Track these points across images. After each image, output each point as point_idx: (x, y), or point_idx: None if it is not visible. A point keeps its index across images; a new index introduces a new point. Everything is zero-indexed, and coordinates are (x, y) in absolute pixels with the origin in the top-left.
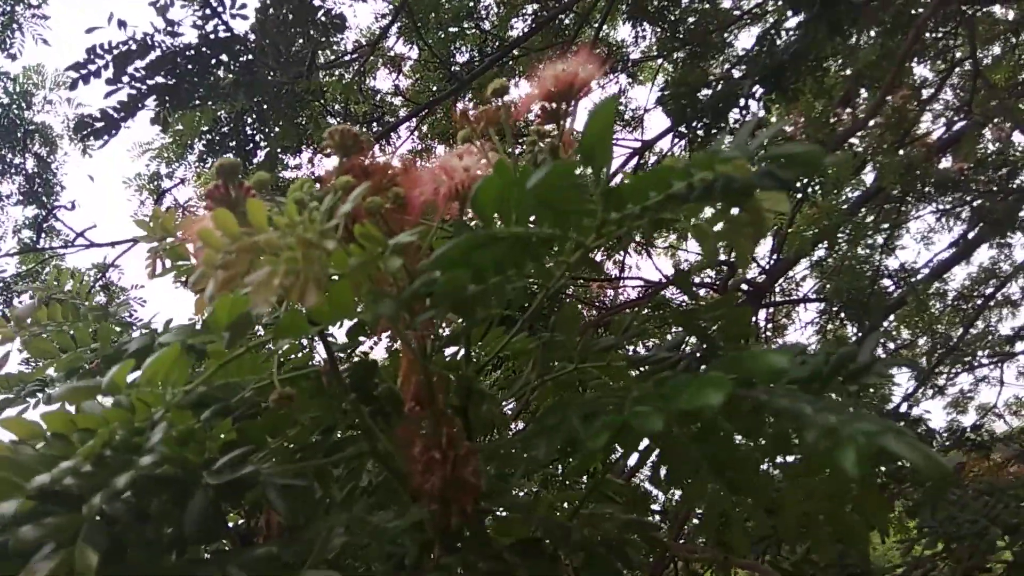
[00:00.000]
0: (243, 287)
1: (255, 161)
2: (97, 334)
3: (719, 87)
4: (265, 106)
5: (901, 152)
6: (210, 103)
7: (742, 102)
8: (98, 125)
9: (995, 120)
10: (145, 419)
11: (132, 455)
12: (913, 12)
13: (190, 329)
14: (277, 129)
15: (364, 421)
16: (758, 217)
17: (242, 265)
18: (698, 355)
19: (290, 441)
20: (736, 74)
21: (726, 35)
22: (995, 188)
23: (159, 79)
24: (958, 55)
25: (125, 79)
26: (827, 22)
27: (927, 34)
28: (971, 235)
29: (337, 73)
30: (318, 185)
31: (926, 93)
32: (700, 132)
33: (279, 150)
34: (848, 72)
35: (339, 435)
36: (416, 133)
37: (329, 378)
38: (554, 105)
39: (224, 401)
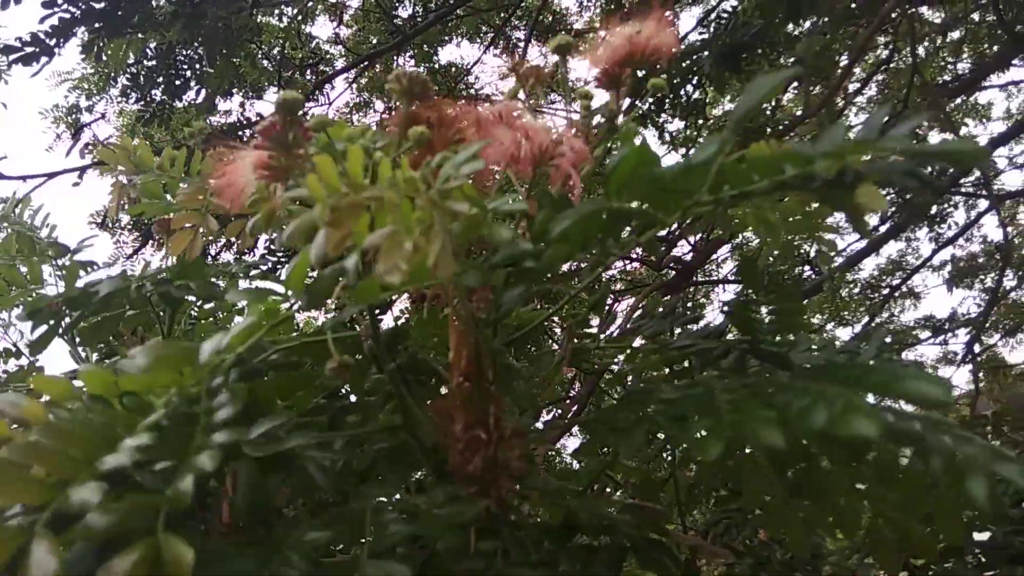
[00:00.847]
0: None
1: (185, 99)
2: (52, 272)
3: (675, 61)
4: (200, 40)
5: None
6: (142, 33)
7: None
8: (28, 50)
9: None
10: (196, 384)
11: (191, 426)
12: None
13: (255, 292)
14: (210, 69)
15: (399, 391)
16: (858, 214)
17: (353, 222)
18: (746, 348)
19: (293, 404)
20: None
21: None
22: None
23: (93, 3)
24: (883, 53)
25: (61, 1)
26: (787, 5)
27: (857, 29)
28: (882, 228)
29: (276, 14)
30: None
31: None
32: (653, 107)
33: (212, 90)
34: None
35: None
36: (354, 85)
37: (371, 344)
38: (619, 70)
39: (249, 363)
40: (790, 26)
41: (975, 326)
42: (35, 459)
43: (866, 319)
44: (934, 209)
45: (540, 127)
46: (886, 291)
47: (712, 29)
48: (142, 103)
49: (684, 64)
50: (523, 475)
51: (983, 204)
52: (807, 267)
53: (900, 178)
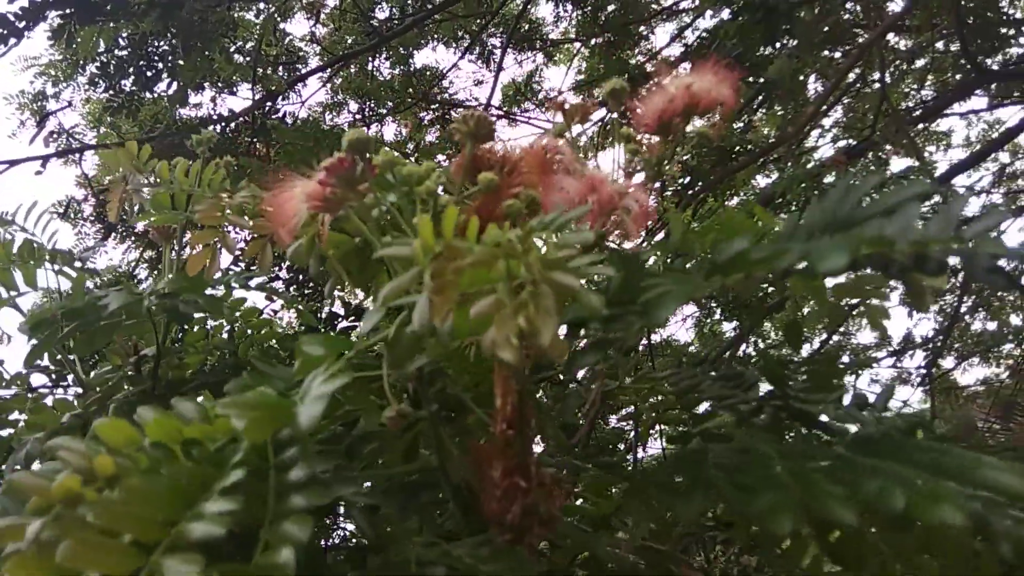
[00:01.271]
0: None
1: (156, 91)
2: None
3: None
4: (174, 32)
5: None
6: (115, 22)
7: None
8: None
9: (896, 145)
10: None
11: (262, 483)
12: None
13: (332, 342)
14: (183, 61)
15: (438, 433)
16: (919, 292)
17: (454, 290)
18: (780, 407)
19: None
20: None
21: (643, 29)
22: None
23: None
24: (850, 77)
25: None
26: (764, 28)
27: (831, 57)
28: None
29: (253, 10)
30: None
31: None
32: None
33: (185, 83)
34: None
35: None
36: (328, 85)
37: (416, 385)
38: (673, 120)
39: None
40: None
41: (933, 350)
42: (119, 523)
43: (824, 336)
44: None
45: (604, 177)
46: (846, 308)
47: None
48: (111, 92)
49: None
50: (558, 524)
51: None
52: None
53: (983, 274)
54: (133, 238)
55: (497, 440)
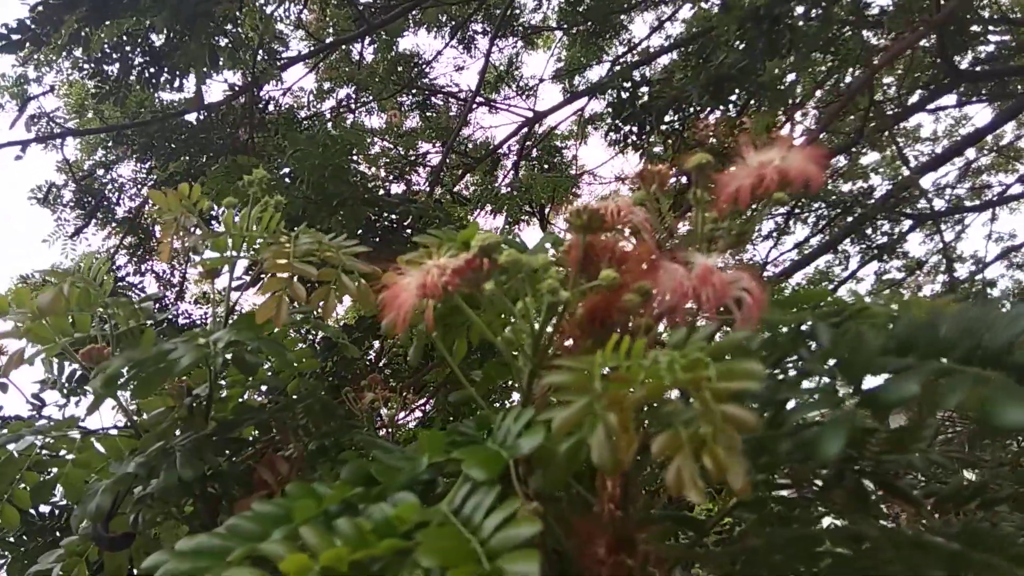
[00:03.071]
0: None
1: (154, 81)
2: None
3: (659, 89)
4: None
5: None
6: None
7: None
8: (15, 38)
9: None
10: None
11: None
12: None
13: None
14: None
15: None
16: None
17: (625, 420)
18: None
19: None
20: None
21: (624, 18)
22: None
23: None
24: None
25: None
26: (767, 39)
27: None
28: (813, 241)
29: None
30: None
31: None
32: (635, 130)
33: (178, 73)
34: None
35: None
36: (314, 73)
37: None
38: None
39: None
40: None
41: None
42: None
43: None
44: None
45: (713, 266)
46: None
47: (696, 59)
48: (98, 79)
49: (671, 90)
50: None
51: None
52: None
53: None
54: (114, 224)
55: (601, 518)
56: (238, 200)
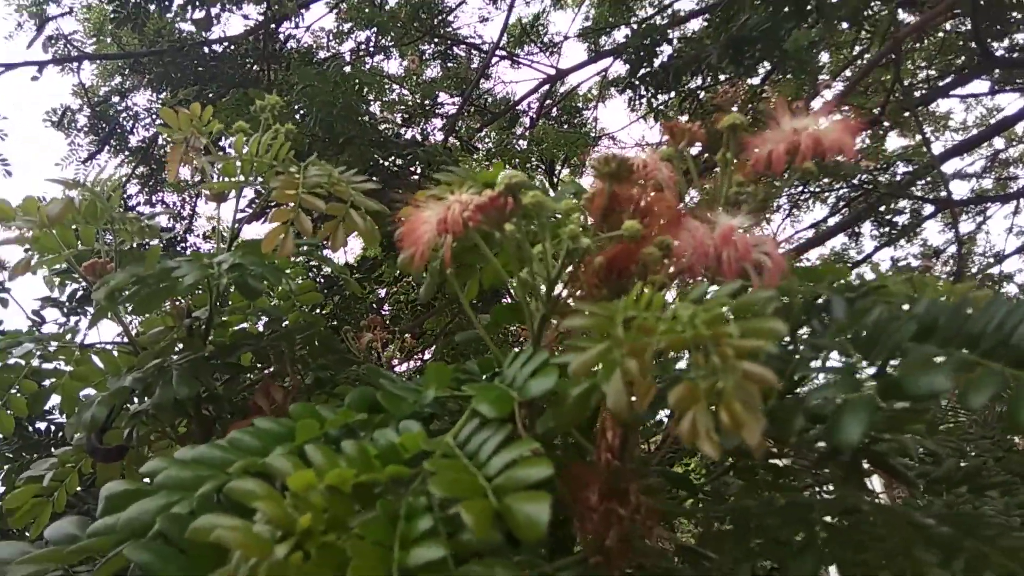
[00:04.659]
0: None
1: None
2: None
3: (681, 48)
4: None
5: None
6: None
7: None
8: None
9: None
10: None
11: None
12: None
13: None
14: None
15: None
16: None
17: (643, 368)
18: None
19: None
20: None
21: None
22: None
23: None
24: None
25: None
26: (792, 3)
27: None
28: (831, 221)
29: None
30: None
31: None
32: (652, 90)
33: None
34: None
35: None
36: (335, 12)
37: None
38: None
39: None
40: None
41: None
42: None
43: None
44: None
45: (736, 226)
46: None
47: (719, 19)
48: (117, 3)
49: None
50: (651, 552)
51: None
52: None
53: None
54: (127, 153)
55: (597, 466)
56: (249, 126)
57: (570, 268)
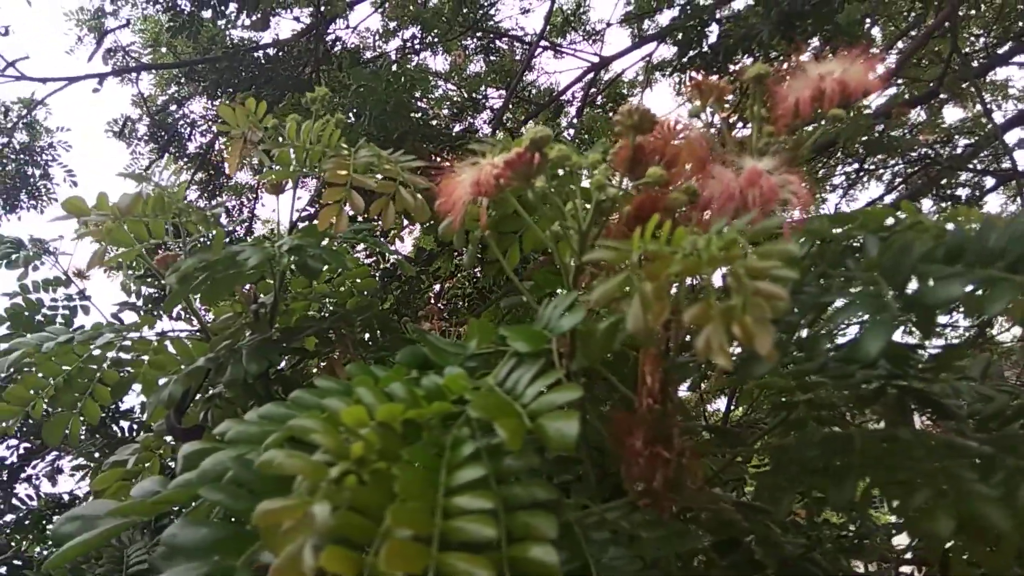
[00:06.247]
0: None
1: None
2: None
3: (728, 28)
4: None
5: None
6: None
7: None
8: None
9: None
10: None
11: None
12: None
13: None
14: None
15: (583, 405)
16: None
17: (659, 290)
18: (904, 391)
19: None
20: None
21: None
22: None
23: None
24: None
25: None
26: None
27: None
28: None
29: None
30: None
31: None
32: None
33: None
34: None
35: None
36: (380, 11)
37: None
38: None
39: None
40: None
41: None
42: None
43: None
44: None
45: (762, 169)
46: None
47: None
48: (171, 13)
49: (740, 28)
50: (696, 493)
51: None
52: None
53: None
54: (186, 159)
55: (641, 412)
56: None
57: (601, 219)
